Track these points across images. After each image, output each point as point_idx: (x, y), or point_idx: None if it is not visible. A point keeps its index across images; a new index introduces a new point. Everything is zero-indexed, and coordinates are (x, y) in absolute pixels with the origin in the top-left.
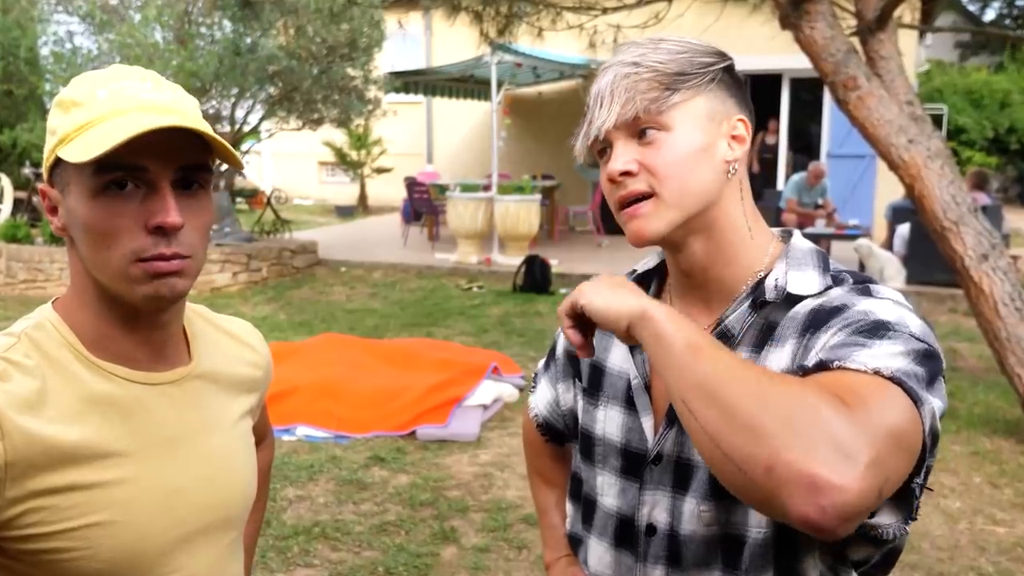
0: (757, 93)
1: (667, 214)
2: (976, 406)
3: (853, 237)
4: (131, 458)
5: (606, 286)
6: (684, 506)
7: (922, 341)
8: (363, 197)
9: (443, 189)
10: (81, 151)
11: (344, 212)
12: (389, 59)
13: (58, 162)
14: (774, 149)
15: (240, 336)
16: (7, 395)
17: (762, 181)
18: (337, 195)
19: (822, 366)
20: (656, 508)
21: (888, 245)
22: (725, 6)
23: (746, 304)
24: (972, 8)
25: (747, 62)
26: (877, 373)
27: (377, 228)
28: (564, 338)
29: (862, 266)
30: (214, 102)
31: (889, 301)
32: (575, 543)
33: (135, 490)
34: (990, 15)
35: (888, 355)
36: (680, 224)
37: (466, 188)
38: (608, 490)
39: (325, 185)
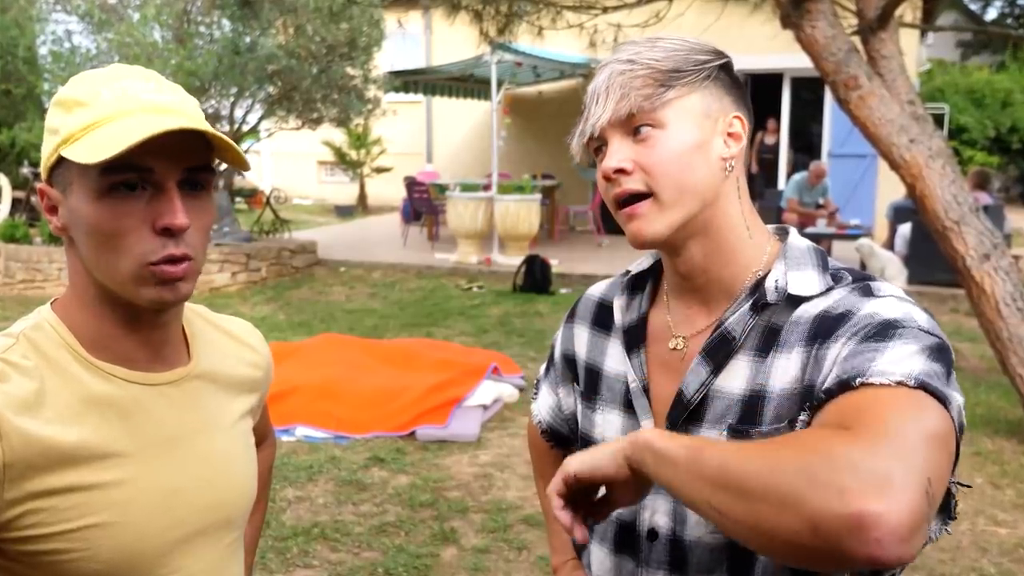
0: (758, 93)
1: (667, 215)
2: (978, 407)
3: (854, 237)
4: (130, 459)
5: (583, 452)
6: (687, 510)
7: (932, 334)
8: (363, 197)
9: (443, 189)
10: (90, 152)
11: (343, 212)
12: (389, 58)
13: (59, 162)
14: (774, 149)
15: (240, 336)
16: (5, 396)
17: (763, 181)
18: (336, 195)
19: (845, 386)
20: (657, 513)
21: (889, 245)
22: (726, 5)
23: (746, 306)
24: (974, 7)
25: (748, 61)
26: (901, 384)
27: (377, 228)
28: (560, 342)
29: (863, 266)
30: (213, 101)
31: (892, 298)
32: (579, 548)
33: (134, 491)
34: (992, 14)
35: (904, 357)
36: (680, 226)
37: (466, 188)
38: None
39: (324, 185)
